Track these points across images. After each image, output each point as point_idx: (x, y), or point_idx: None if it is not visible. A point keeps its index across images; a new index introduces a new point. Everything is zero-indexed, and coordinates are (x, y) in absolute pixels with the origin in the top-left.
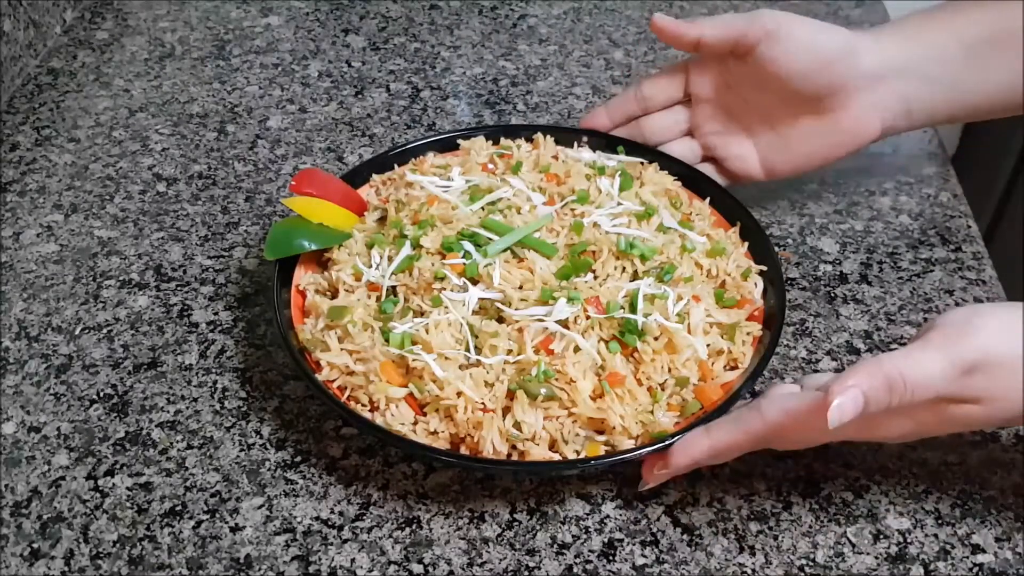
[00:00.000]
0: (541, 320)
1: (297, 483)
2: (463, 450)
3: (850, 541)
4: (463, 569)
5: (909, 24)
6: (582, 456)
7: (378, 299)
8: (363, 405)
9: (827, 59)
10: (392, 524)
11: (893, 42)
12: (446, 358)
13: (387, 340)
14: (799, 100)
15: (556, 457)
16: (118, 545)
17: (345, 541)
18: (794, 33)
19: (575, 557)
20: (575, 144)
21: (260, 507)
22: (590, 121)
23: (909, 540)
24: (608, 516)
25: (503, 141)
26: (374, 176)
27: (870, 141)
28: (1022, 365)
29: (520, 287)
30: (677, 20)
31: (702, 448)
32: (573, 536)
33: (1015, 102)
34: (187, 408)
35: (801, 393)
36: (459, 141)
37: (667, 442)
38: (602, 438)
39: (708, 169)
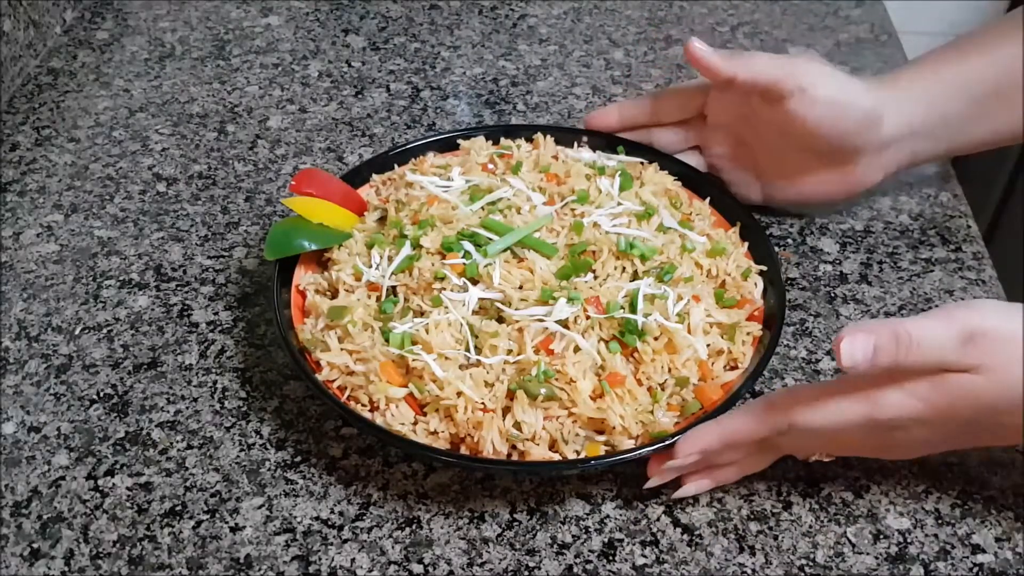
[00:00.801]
0: (541, 320)
1: (297, 483)
2: (463, 450)
3: (850, 541)
4: (463, 569)
5: (908, 74)
6: (582, 456)
7: (378, 299)
8: (363, 405)
9: (854, 126)
10: (392, 524)
11: (911, 104)
12: (446, 358)
13: (387, 340)
14: (813, 152)
15: (556, 457)
16: (118, 545)
17: (345, 541)
18: (827, 95)
19: (575, 557)
20: (575, 144)
21: (260, 507)
22: (599, 118)
23: (909, 540)
24: (608, 516)
25: (503, 141)
26: (374, 176)
27: (867, 192)
28: (1022, 337)
29: (520, 287)
30: (714, 52)
31: (711, 435)
32: (573, 536)
33: (1018, 136)
34: (187, 408)
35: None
36: (459, 141)
37: (667, 442)
38: (602, 438)
39: None
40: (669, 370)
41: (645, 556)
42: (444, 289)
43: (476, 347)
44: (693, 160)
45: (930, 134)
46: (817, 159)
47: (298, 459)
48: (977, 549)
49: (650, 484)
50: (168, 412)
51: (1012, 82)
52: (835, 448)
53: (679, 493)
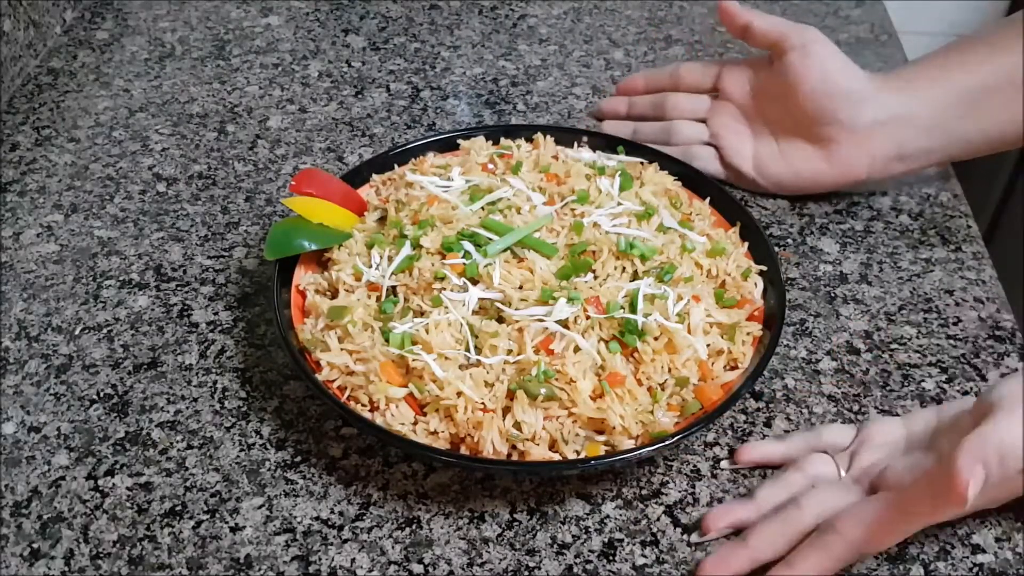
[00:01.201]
0: (541, 320)
1: (297, 483)
2: (463, 450)
3: None
4: (463, 569)
5: (908, 73)
6: (582, 456)
7: (378, 299)
8: (363, 405)
9: (834, 91)
10: (392, 524)
11: (892, 93)
12: (446, 358)
13: (387, 340)
14: (802, 119)
15: (556, 457)
16: (118, 545)
17: (345, 541)
18: (821, 55)
19: (575, 557)
20: (575, 144)
21: (260, 507)
22: (628, 83)
23: (909, 540)
24: (608, 516)
25: (503, 141)
26: (374, 176)
27: (855, 182)
28: None
29: (520, 287)
30: (738, 6)
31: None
32: (573, 536)
33: (1013, 141)
34: (187, 408)
35: (867, 499)
36: (459, 141)
37: (667, 442)
38: (602, 438)
39: (709, 152)
40: (669, 370)
41: (645, 556)
42: (444, 289)
43: (476, 347)
44: (698, 129)
45: (919, 126)
46: (805, 128)
47: (298, 459)
48: (977, 549)
49: (701, 538)
50: (168, 412)
51: (1011, 88)
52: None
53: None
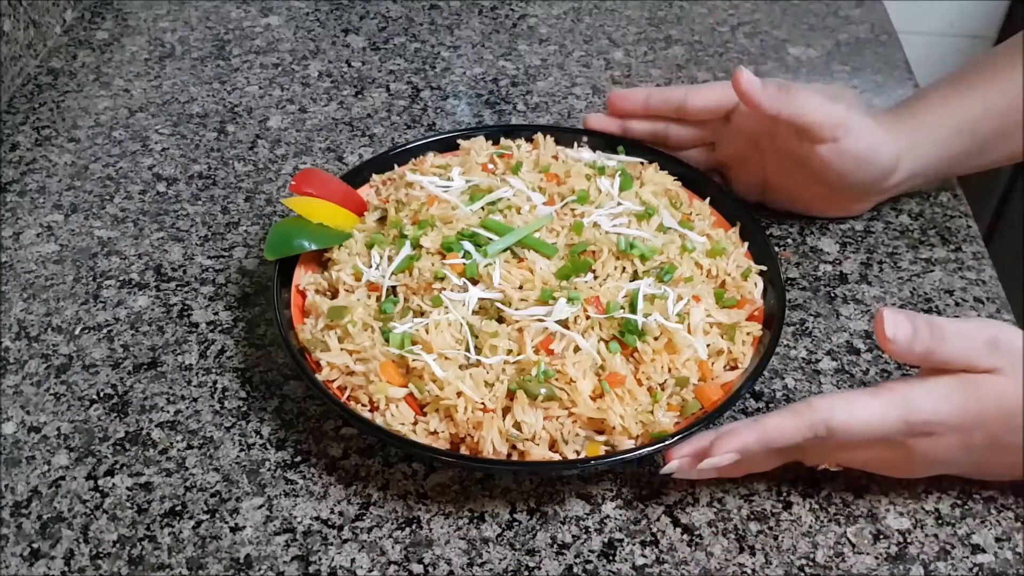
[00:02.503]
0: (541, 320)
1: (297, 483)
2: (463, 450)
3: (850, 541)
4: (463, 569)
5: (929, 122)
6: (582, 456)
7: (378, 299)
8: (363, 405)
9: (876, 177)
10: (392, 524)
11: (921, 149)
12: (446, 358)
13: (387, 340)
14: (826, 186)
15: (556, 457)
16: (118, 545)
17: (345, 541)
18: (858, 150)
19: (575, 557)
20: (575, 144)
21: (260, 507)
22: (625, 98)
23: (909, 540)
24: (608, 516)
25: (503, 141)
26: (374, 176)
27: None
28: None
29: (520, 287)
30: (761, 87)
31: (750, 435)
32: (573, 536)
33: (1010, 161)
34: (187, 408)
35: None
36: (459, 141)
37: (667, 442)
38: (602, 438)
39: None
40: (669, 370)
41: (645, 556)
42: (444, 289)
43: (476, 347)
44: (702, 155)
45: (933, 173)
46: (827, 190)
47: (298, 459)
48: (977, 549)
49: (668, 469)
50: (168, 412)
51: (1015, 117)
52: (857, 459)
53: (667, 468)
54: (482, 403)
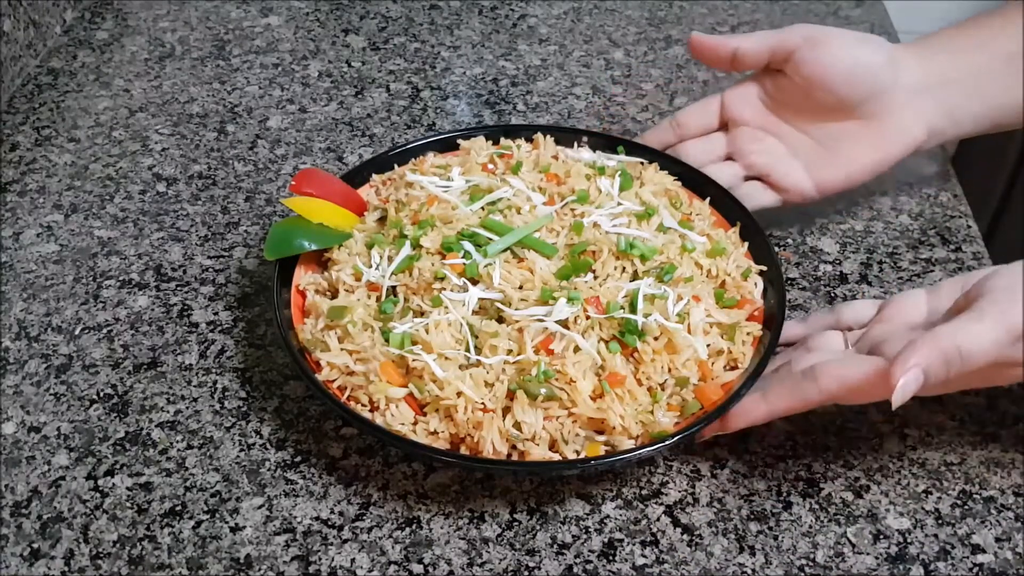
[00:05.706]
0: (541, 320)
1: (297, 483)
2: (463, 450)
3: (850, 541)
4: (463, 569)
5: (945, 39)
6: (582, 456)
7: (378, 299)
8: (363, 405)
9: (862, 66)
10: (392, 524)
11: (933, 57)
12: (446, 358)
13: (387, 340)
14: (840, 106)
15: (556, 457)
16: (118, 545)
17: (345, 541)
18: (828, 40)
19: (575, 557)
20: (575, 144)
21: (260, 507)
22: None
23: (909, 540)
24: (608, 516)
25: (503, 141)
26: (374, 176)
27: (917, 146)
28: None
29: (520, 287)
30: (713, 36)
31: (759, 414)
32: (573, 536)
33: None
34: (187, 408)
35: (855, 358)
36: (459, 141)
37: (667, 442)
38: (602, 438)
39: (755, 186)
40: (669, 370)
41: (645, 556)
42: (444, 289)
43: (476, 347)
44: (727, 171)
45: (965, 87)
46: (846, 113)
47: (298, 459)
48: (977, 549)
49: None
50: (168, 412)
51: None
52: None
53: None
54: (482, 403)
